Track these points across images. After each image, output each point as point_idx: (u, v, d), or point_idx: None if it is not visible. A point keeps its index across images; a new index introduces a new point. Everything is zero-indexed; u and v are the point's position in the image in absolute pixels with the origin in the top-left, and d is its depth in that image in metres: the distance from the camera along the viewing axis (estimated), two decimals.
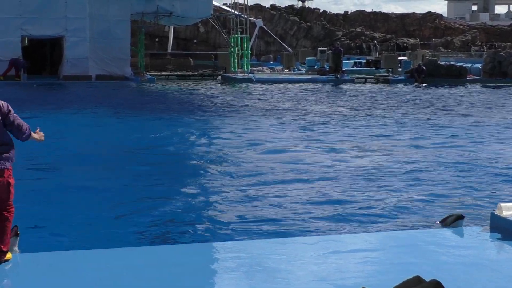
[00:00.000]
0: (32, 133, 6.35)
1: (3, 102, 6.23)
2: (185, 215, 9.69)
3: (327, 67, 43.42)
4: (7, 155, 6.16)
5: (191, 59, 50.51)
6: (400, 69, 43.83)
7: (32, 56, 38.42)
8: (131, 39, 39.73)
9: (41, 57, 40.14)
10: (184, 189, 11.40)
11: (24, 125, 6.29)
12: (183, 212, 9.83)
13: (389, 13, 77.54)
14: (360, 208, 9.85)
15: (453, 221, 7.95)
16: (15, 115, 6.25)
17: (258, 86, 36.91)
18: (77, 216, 9.34)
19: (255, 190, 11.15)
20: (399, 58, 46.95)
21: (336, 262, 6.51)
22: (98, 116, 22.16)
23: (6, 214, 6.17)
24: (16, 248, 6.58)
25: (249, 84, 38.21)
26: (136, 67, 41.17)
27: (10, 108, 6.24)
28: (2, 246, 6.12)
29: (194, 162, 14.28)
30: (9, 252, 6.23)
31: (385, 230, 8.58)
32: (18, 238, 6.59)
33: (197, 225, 9.16)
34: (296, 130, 19.02)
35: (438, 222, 8.39)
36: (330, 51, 44.75)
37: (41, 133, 6.49)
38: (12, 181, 6.22)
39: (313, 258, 6.63)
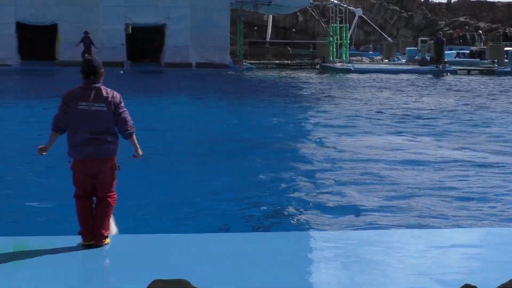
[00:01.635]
0: (134, 134, 6.35)
1: (116, 93, 6.32)
2: (283, 203, 9.68)
3: (428, 58, 42.48)
4: (113, 145, 6.25)
5: (289, 48, 50.50)
6: (506, 60, 42.31)
7: (135, 43, 39.36)
8: (231, 27, 40.07)
9: (144, 44, 41.07)
10: (282, 178, 11.39)
11: (130, 121, 6.32)
12: (282, 201, 9.83)
13: (495, 1, 74.93)
14: (468, 200, 9.59)
15: None
16: (124, 109, 6.31)
17: (356, 76, 36.51)
18: (178, 201, 9.48)
19: (355, 180, 11.04)
20: (506, 48, 45.30)
21: (437, 257, 6.32)
22: (199, 103, 22.46)
23: (109, 200, 6.29)
24: (114, 228, 6.74)
25: (348, 74, 37.84)
26: (235, 56, 41.50)
27: (121, 100, 6.32)
28: (103, 231, 6.27)
29: (293, 151, 14.24)
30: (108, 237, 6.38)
31: (490, 227, 8.29)
32: (114, 219, 6.74)
33: (295, 214, 9.14)
34: (396, 120, 18.69)
35: None
36: (432, 41, 43.73)
37: (139, 152, 6.44)
38: (115, 170, 6.32)
39: (412, 251, 6.46)
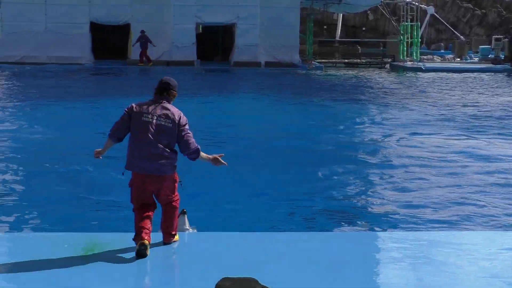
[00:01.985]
0: (203, 154, 6.30)
1: (182, 115, 6.29)
2: (350, 203, 9.62)
3: (502, 56, 41.45)
4: (173, 161, 6.19)
5: (359, 47, 50.06)
6: None
7: (205, 42, 39.73)
8: (300, 26, 39.98)
9: (213, 43, 41.42)
10: (349, 177, 11.32)
11: (193, 144, 6.24)
12: (348, 200, 9.77)
13: None
14: None
15: None
16: (189, 131, 6.25)
17: (427, 75, 35.94)
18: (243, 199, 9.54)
19: (423, 179, 10.89)
20: None
21: (510, 260, 6.17)
22: (266, 101, 22.52)
23: (174, 204, 6.31)
24: (188, 226, 6.82)
25: (418, 72, 37.29)
26: (304, 54, 41.40)
27: (187, 122, 6.27)
28: (172, 230, 6.34)
29: (360, 150, 14.13)
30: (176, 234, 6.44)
31: None
32: (186, 216, 6.82)
33: (363, 214, 9.07)
34: (467, 120, 18.33)
35: None
36: (506, 39, 42.64)
37: (222, 161, 6.41)
38: (176, 183, 6.30)
39: (484, 253, 6.33)
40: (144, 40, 36.11)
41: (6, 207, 9.18)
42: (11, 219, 8.60)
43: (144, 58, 36.36)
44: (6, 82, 28.35)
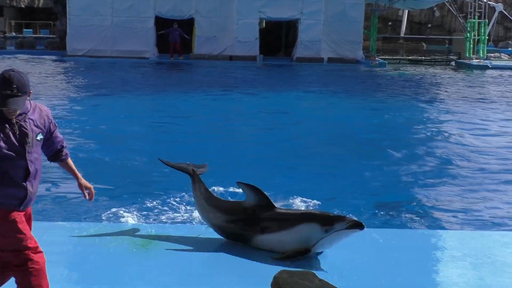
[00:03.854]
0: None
1: (48, 112, 4.67)
2: (410, 200, 9.52)
3: None
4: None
5: (424, 44, 49.40)
6: None
7: (267, 37, 39.79)
8: (364, 22, 39.64)
9: (276, 38, 41.44)
10: (405, 176, 11.22)
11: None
12: (409, 198, 9.68)
13: None
14: None
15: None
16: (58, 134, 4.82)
17: (494, 73, 35.18)
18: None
19: (487, 179, 10.71)
20: None
21: None
22: (331, 98, 22.46)
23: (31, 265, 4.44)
24: None
25: (485, 71, 36.53)
26: (367, 51, 41.06)
27: (55, 123, 4.75)
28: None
29: (421, 149, 13.96)
30: None
31: None
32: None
33: (422, 212, 8.97)
34: None
35: None
36: None
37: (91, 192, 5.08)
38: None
39: None
40: (178, 33, 36.26)
41: (65, 198, 9.41)
42: (71, 209, 8.79)
43: (174, 52, 36.50)
44: (77, 75, 29.00)
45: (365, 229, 5.69)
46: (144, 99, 21.33)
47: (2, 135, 4.29)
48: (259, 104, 20.39)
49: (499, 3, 56.71)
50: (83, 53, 37.09)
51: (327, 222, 5.66)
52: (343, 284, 4.56)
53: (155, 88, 24.33)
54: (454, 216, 8.72)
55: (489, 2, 46.73)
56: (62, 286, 5.06)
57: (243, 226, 6.02)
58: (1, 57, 35.92)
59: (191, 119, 17.73)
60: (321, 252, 5.95)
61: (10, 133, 4.33)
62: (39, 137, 4.50)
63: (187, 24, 38.46)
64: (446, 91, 25.49)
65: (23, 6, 60.95)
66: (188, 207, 8.63)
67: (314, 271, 4.64)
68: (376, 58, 39.93)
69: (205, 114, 18.64)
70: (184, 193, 9.24)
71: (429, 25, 61.07)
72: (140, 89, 23.67)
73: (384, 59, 40.91)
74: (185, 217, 8.26)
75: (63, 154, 4.85)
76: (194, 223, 7.79)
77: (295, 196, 8.98)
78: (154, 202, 8.96)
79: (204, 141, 14.22)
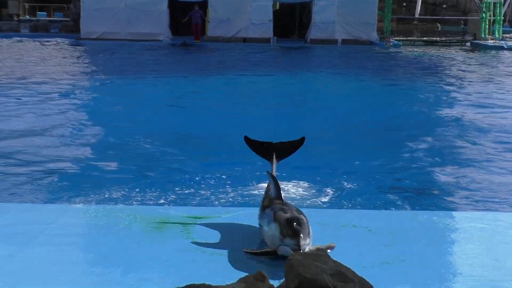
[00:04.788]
0: None
1: None
2: (423, 182, 9.50)
3: None
4: None
5: (438, 25, 49.03)
6: None
7: (281, 19, 39.64)
8: (378, 3, 39.40)
9: (290, 20, 41.28)
10: (419, 157, 11.20)
11: None
12: (421, 179, 9.66)
13: None
14: None
15: None
16: None
17: (510, 53, 34.88)
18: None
19: (500, 159, 10.65)
20: None
21: None
22: (341, 79, 22.37)
23: None
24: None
25: (500, 51, 36.23)
26: (382, 32, 40.83)
27: None
28: None
29: (437, 130, 13.90)
30: None
31: None
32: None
33: (436, 193, 8.95)
34: None
35: None
36: None
37: None
38: None
39: None
40: (199, 15, 36.14)
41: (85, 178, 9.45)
42: (85, 191, 8.83)
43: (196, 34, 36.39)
44: (91, 58, 29.04)
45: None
46: (159, 82, 21.34)
47: None
48: (273, 86, 20.34)
49: None
50: (97, 36, 37.15)
51: (285, 232, 5.13)
52: (356, 265, 4.55)
53: (170, 71, 24.36)
54: (468, 198, 8.69)
55: None
56: (79, 268, 5.09)
57: (259, 215, 5.97)
58: (15, 40, 36.02)
59: (206, 100, 17.74)
60: (329, 236, 5.92)
61: None
62: None
63: (201, 7, 38.40)
64: (461, 72, 25.33)
65: None
66: (202, 189, 8.66)
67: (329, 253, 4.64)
68: (391, 40, 39.71)
69: (219, 95, 18.64)
70: (198, 175, 9.27)
71: (444, 6, 60.49)
72: (154, 71, 23.69)
73: (399, 40, 40.68)
74: (199, 199, 8.29)
75: None
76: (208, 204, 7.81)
77: (296, 180, 9.00)
78: (168, 184, 8.98)
79: (218, 122, 14.24)
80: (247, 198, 8.44)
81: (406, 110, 16.59)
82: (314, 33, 37.75)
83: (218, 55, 31.00)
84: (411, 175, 9.96)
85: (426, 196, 8.88)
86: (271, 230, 5.31)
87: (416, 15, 51.52)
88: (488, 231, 6.22)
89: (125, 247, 5.48)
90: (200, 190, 8.74)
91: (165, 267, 5.06)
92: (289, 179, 9.17)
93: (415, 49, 37.75)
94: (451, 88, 20.77)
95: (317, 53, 32.96)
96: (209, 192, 8.69)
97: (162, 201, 8.28)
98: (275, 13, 38.82)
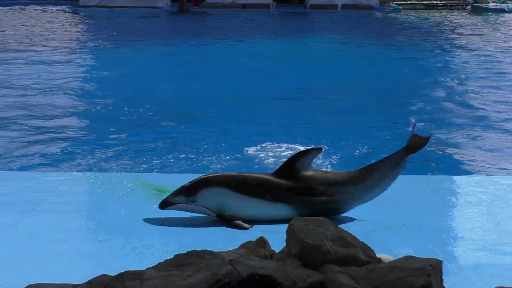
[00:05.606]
0: None
1: None
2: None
3: None
4: None
5: None
6: None
7: None
8: None
9: None
10: (419, 123, 11.21)
11: None
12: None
13: None
14: None
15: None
16: None
17: (511, 16, 34.65)
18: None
19: (499, 126, 10.66)
20: None
21: None
22: (342, 45, 22.27)
23: None
24: None
25: (501, 14, 35.97)
26: None
27: None
28: None
29: (436, 94, 13.89)
30: None
31: None
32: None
33: (438, 157, 8.96)
34: None
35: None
36: None
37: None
38: None
39: None
40: None
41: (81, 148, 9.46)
42: (86, 160, 8.84)
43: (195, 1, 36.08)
44: (89, 26, 28.87)
45: None
46: (155, 49, 21.21)
47: None
48: (273, 53, 20.25)
49: None
50: (95, 4, 36.87)
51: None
52: (358, 229, 4.56)
53: (166, 38, 24.21)
54: (469, 162, 8.71)
55: None
56: (81, 235, 5.12)
57: None
58: (14, 8, 35.79)
59: (204, 67, 17.68)
60: None
61: None
62: None
63: None
64: (463, 36, 25.17)
65: None
66: (201, 158, 8.67)
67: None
68: (391, 4, 39.41)
69: (218, 62, 18.57)
70: (196, 144, 9.28)
71: None
72: (153, 38, 23.56)
73: (399, 4, 40.36)
74: (199, 167, 8.30)
75: None
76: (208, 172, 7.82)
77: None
78: (168, 153, 9.00)
79: (218, 90, 14.20)
80: (248, 164, 8.46)
81: (405, 75, 16.53)
82: None
83: (217, 21, 30.78)
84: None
85: (426, 162, 8.88)
86: None
87: None
88: (488, 194, 6.23)
89: (126, 214, 5.49)
90: (200, 157, 8.75)
91: (166, 234, 5.08)
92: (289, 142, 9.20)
93: (416, 13, 37.49)
94: (450, 53, 20.65)
95: (317, 19, 32.74)
96: (209, 159, 8.70)
97: (163, 168, 8.30)
98: None
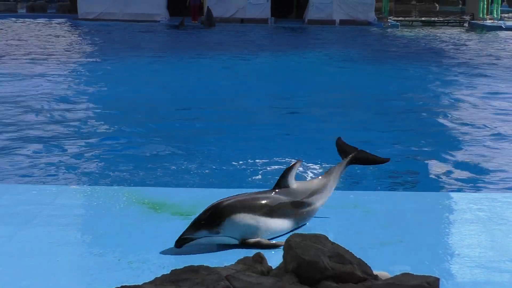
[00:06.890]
0: None
1: None
2: (421, 164, 9.51)
3: None
4: None
5: (437, 5, 48.81)
6: None
7: (279, 0, 39.47)
8: None
9: (288, 1, 41.12)
10: (416, 139, 11.22)
11: None
12: (419, 161, 9.65)
13: None
14: None
15: None
16: None
17: (508, 34, 34.79)
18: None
19: (499, 140, 10.68)
20: None
21: None
22: (339, 61, 22.33)
23: None
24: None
25: (498, 31, 36.13)
26: (380, 12, 40.69)
27: None
28: None
29: (429, 112, 13.90)
30: None
31: None
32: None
33: (434, 174, 8.96)
34: None
35: None
36: None
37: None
38: None
39: None
40: None
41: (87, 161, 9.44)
42: (82, 172, 8.83)
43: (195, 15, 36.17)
44: (87, 39, 28.92)
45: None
46: (154, 62, 21.26)
47: None
48: (270, 68, 20.28)
49: None
50: (94, 17, 36.97)
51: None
52: (355, 246, 4.55)
53: (163, 52, 24.27)
54: (466, 179, 8.70)
55: None
56: (77, 249, 5.09)
57: None
58: (12, 20, 35.84)
59: (202, 81, 17.70)
60: (327, 217, 5.92)
61: None
62: None
63: None
64: (458, 53, 25.27)
65: None
66: (201, 170, 8.66)
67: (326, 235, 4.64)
68: (389, 20, 39.60)
69: (216, 77, 18.60)
70: (191, 157, 9.27)
71: None
72: (151, 51, 23.62)
73: (397, 20, 40.55)
74: (196, 181, 8.28)
75: None
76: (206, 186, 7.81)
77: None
78: (164, 166, 8.98)
79: (216, 103, 14.23)
80: (245, 180, 8.45)
81: (402, 91, 16.56)
82: (311, 13, 37.60)
83: (215, 36, 30.86)
84: (409, 157, 9.95)
85: (424, 177, 8.89)
86: None
87: None
88: (485, 212, 6.22)
89: (122, 228, 5.47)
90: (199, 171, 8.74)
91: (163, 249, 5.06)
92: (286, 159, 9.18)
93: (413, 30, 37.63)
94: (447, 69, 20.70)
95: (315, 35, 32.82)
96: (207, 173, 8.69)
97: (159, 182, 8.28)
98: None
